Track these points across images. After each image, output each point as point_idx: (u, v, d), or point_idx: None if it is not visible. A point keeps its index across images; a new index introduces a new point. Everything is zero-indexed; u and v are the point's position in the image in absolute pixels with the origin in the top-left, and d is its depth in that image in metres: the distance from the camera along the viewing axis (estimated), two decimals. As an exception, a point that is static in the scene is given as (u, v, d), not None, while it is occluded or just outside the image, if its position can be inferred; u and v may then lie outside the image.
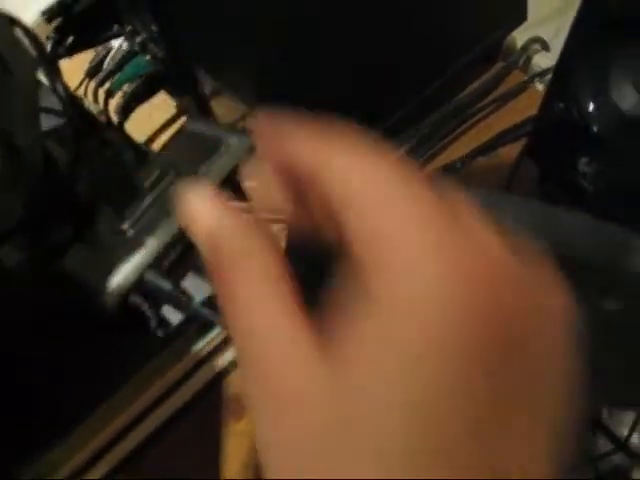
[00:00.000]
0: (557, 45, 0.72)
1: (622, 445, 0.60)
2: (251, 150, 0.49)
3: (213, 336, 0.48)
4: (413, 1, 0.53)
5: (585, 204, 0.49)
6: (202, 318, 0.44)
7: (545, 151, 0.52)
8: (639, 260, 0.38)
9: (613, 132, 0.47)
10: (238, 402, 0.49)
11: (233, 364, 0.50)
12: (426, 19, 0.55)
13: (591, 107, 0.47)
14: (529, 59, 0.69)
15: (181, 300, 0.44)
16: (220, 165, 0.48)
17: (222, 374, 0.50)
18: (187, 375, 0.48)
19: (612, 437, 0.60)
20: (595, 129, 0.47)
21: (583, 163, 0.48)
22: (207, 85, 0.57)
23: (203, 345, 0.48)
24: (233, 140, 0.49)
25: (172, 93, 0.59)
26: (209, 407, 0.49)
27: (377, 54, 0.53)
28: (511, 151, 0.57)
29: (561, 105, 0.49)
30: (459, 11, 0.57)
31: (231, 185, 0.49)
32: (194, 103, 0.58)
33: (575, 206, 0.50)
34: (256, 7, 0.44)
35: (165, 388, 0.47)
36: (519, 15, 0.62)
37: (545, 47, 0.70)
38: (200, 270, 0.47)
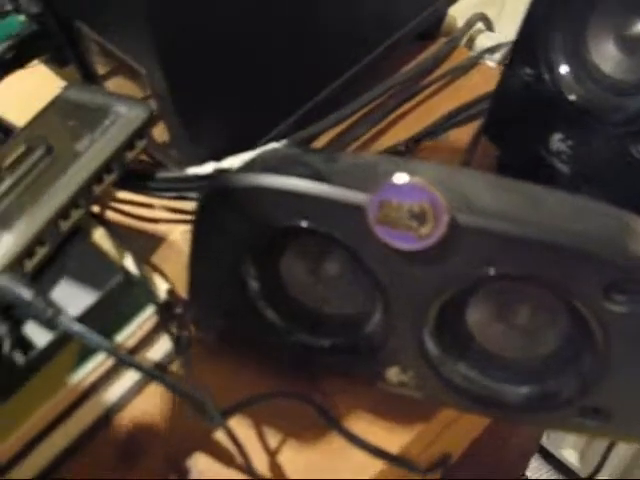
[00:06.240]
0: (502, 25, 0.65)
1: None
2: (147, 122, 0.38)
3: (95, 365, 0.36)
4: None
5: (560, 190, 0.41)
6: (78, 339, 0.33)
7: (507, 129, 0.43)
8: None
9: (594, 100, 0.39)
10: (129, 448, 0.37)
11: (123, 400, 0.38)
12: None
13: (566, 71, 0.39)
14: (472, 40, 0.61)
15: (48, 314, 0.32)
16: (105, 140, 0.37)
17: (109, 413, 0.38)
18: (62, 416, 0.36)
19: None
20: (571, 97, 0.39)
21: (557, 140, 0.40)
22: (96, 55, 0.46)
23: (83, 376, 0.36)
24: (123, 109, 0.38)
25: (51, 61, 0.48)
26: (94, 455, 0.38)
27: (299, 27, 0.44)
28: (463, 133, 0.48)
29: (528, 71, 0.40)
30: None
31: (120, 165, 0.38)
32: (78, 74, 0.47)
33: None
34: None
35: (32, 434, 0.35)
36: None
37: (489, 27, 0.63)
38: (77, 276, 0.36)
